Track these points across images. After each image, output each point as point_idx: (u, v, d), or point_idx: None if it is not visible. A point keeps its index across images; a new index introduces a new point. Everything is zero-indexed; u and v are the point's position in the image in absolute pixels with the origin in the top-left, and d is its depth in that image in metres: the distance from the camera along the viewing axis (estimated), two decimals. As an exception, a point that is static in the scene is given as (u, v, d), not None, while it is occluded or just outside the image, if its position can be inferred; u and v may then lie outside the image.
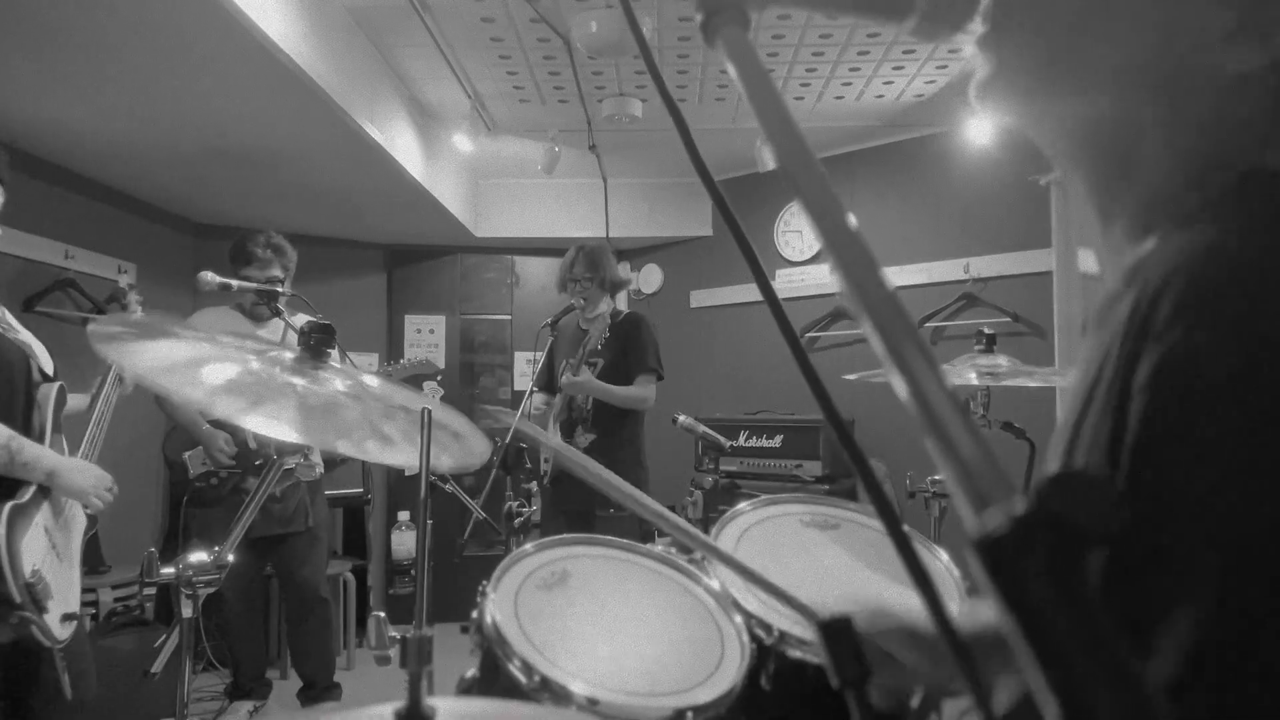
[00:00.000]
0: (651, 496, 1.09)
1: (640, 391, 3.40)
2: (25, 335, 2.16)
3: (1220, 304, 0.48)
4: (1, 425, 1.94)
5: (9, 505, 1.91)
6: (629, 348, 3.43)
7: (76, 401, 2.37)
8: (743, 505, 1.60)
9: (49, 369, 2.18)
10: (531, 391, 3.36)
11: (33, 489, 2.00)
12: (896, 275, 4.37)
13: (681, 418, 2.51)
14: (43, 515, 2.03)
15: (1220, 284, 0.48)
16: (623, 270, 3.56)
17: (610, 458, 3.27)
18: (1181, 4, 0.56)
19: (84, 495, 2.09)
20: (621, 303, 5.62)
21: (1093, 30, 0.59)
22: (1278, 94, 0.56)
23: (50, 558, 2.00)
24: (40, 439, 2.07)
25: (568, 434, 3.44)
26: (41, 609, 1.90)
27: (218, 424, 3.28)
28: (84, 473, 2.11)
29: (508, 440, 2.37)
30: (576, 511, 3.32)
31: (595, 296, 3.45)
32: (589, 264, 3.44)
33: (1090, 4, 0.59)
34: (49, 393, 2.13)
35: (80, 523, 2.21)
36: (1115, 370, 0.51)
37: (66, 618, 2.00)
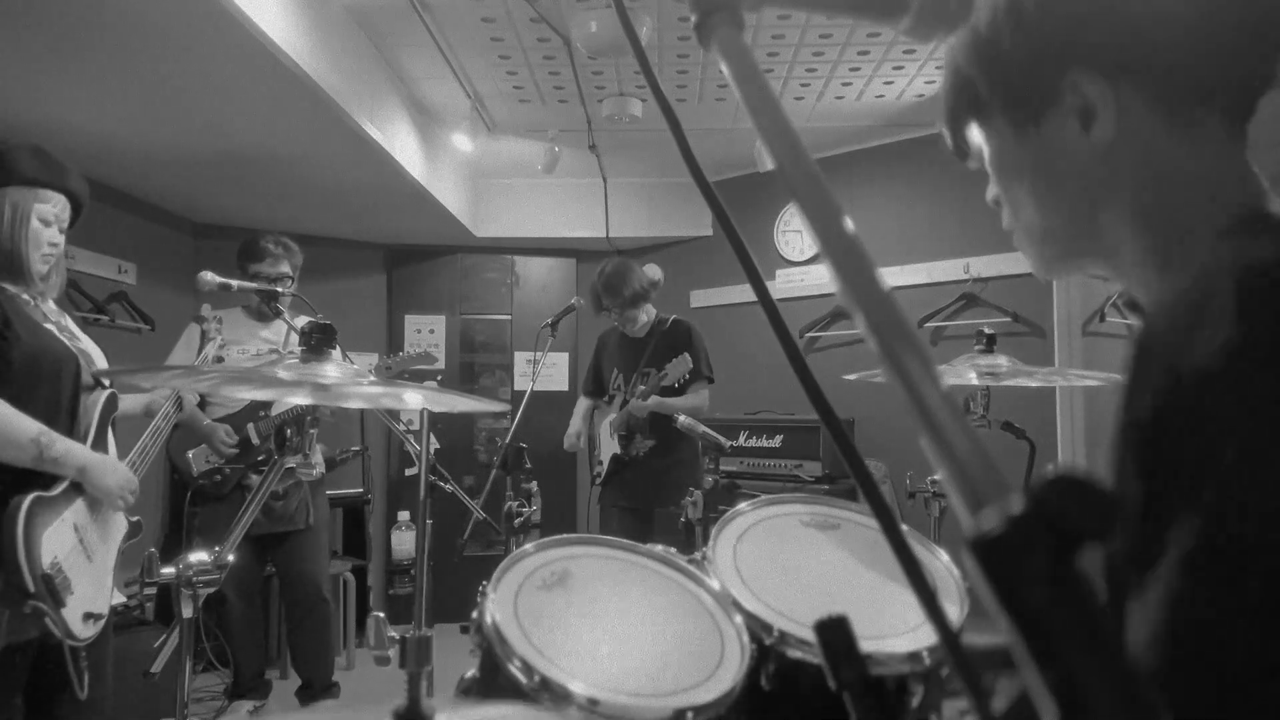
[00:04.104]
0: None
1: (697, 400, 3.56)
2: (86, 343, 2.20)
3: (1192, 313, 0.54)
4: (32, 420, 1.95)
5: (32, 496, 1.92)
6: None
7: (130, 403, 2.39)
8: (743, 505, 1.60)
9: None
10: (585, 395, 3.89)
11: (64, 484, 2.01)
12: (896, 275, 4.38)
13: (681, 418, 2.50)
14: (74, 512, 2.03)
15: (1200, 296, 0.54)
16: (649, 272, 3.74)
17: (673, 458, 3.53)
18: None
19: (110, 495, 2.10)
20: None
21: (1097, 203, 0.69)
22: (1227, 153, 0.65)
23: (77, 554, 2.01)
24: (83, 441, 2.08)
25: (627, 442, 3.65)
26: (59, 602, 1.90)
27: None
28: (114, 472, 2.11)
29: (508, 440, 2.39)
30: (631, 508, 3.61)
31: (631, 316, 3.65)
32: (609, 291, 3.62)
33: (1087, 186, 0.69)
34: (98, 398, 2.15)
35: (120, 528, 2.21)
36: (1126, 392, 0.55)
37: (89, 617, 2.00)
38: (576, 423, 3.89)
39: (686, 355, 3.47)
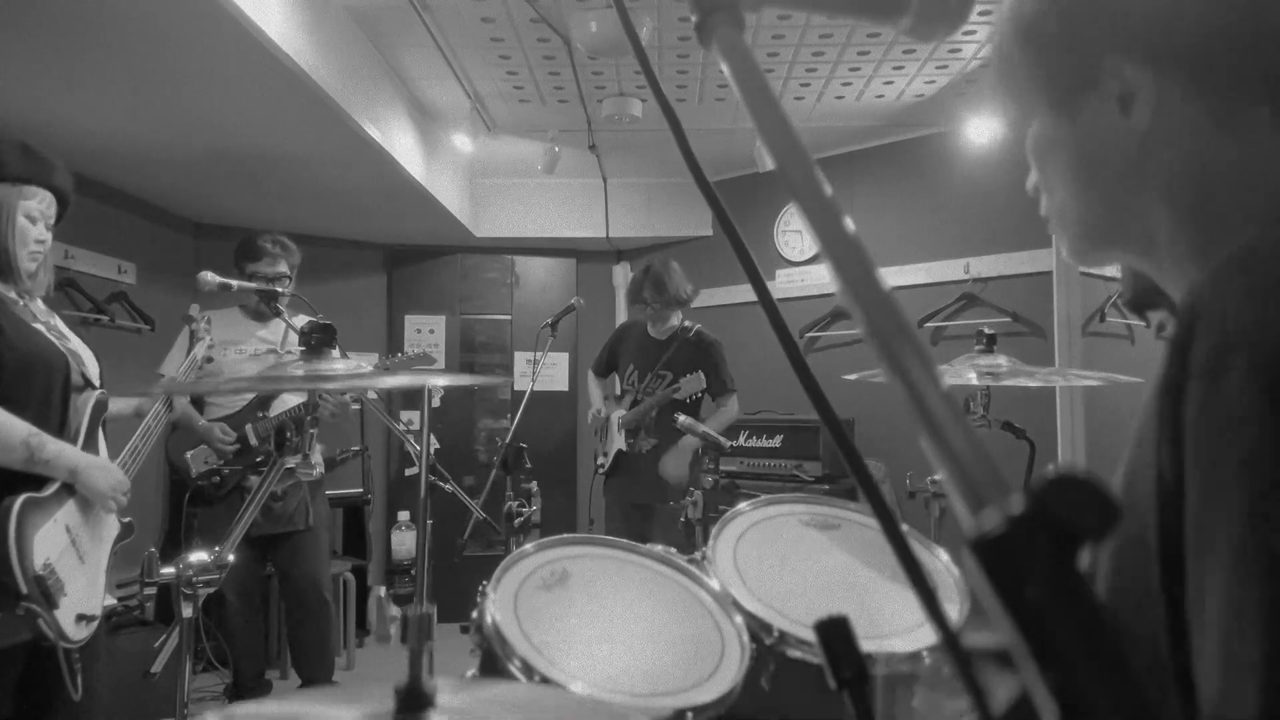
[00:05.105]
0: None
1: (728, 416, 3.69)
2: (75, 343, 2.18)
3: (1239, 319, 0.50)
4: (22, 422, 1.93)
5: (24, 497, 1.90)
6: (703, 369, 3.63)
7: (120, 405, 2.38)
8: (743, 505, 1.60)
9: (94, 377, 2.19)
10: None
11: (56, 485, 1.99)
12: (896, 275, 4.38)
13: (681, 418, 2.50)
14: (65, 513, 2.01)
15: (1239, 300, 0.51)
16: (688, 286, 3.81)
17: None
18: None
19: (102, 497, 2.08)
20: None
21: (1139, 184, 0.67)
22: None
23: (69, 556, 1.99)
24: (74, 442, 2.07)
25: (632, 437, 3.77)
26: (51, 604, 1.89)
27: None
28: (106, 474, 2.10)
29: (508, 440, 2.40)
30: (634, 504, 3.72)
31: (665, 316, 3.75)
32: (655, 287, 3.69)
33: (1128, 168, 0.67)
34: (88, 399, 2.13)
35: (112, 529, 2.19)
36: (1158, 402, 0.53)
37: (82, 618, 1.99)
38: (597, 400, 3.97)
39: (701, 374, 3.54)
